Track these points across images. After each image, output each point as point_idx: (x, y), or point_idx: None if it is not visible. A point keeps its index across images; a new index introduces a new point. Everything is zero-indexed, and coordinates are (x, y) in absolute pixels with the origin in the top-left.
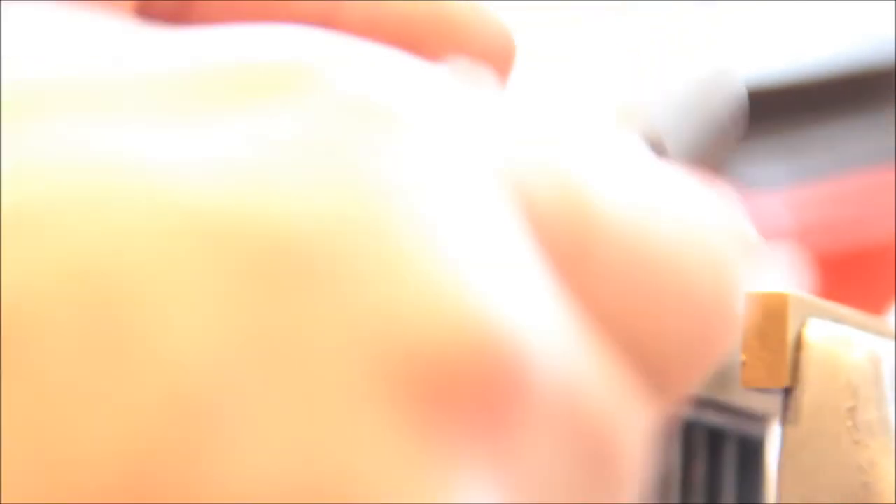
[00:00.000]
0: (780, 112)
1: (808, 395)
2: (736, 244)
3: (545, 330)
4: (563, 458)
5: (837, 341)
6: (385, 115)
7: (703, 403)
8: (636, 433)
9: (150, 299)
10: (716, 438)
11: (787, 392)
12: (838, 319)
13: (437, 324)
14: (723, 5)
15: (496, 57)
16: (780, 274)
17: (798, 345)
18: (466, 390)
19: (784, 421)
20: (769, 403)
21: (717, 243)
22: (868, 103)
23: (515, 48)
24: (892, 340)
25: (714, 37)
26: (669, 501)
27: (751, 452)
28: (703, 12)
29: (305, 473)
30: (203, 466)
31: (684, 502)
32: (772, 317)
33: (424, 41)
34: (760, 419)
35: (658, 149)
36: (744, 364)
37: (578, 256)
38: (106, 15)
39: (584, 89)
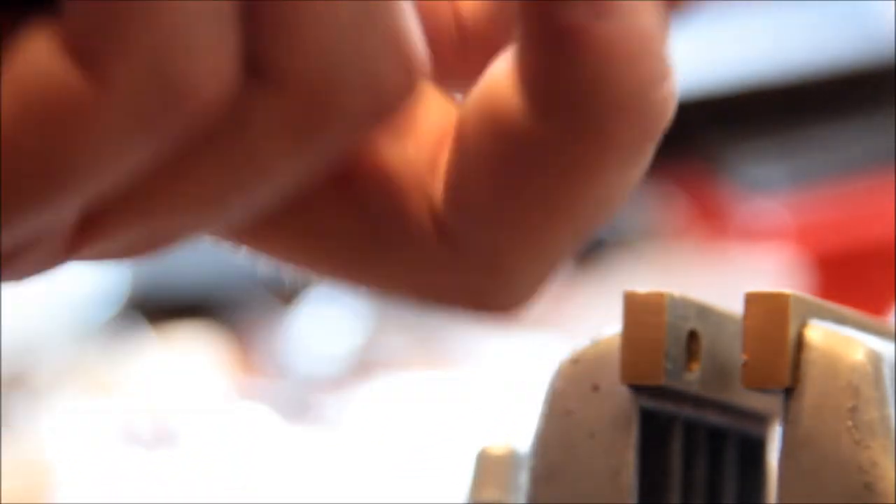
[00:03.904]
0: (780, 112)
1: (809, 395)
2: None
3: None
4: None
5: (838, 341)
6: None
7: (704, 403)
8: None
9: None
10: (717, 438)
11: (788, 392)
12: (838, 319)
13: None
14: (723, 6)
15: None
16: (781, 274)
17: (799, 345)
18: None
19: (785, 421)
20: (770, 403)
21: None
22: (868, 103)
23: None
24: (892, 340)
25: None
26: (670, 501)
27: (752, 452)
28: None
29: None
30: None
31: (685, 502)
32: (773, 317)
33: None
34: (761, 419)
35: None
36: (745, 364)
37: None
38: None
39: None
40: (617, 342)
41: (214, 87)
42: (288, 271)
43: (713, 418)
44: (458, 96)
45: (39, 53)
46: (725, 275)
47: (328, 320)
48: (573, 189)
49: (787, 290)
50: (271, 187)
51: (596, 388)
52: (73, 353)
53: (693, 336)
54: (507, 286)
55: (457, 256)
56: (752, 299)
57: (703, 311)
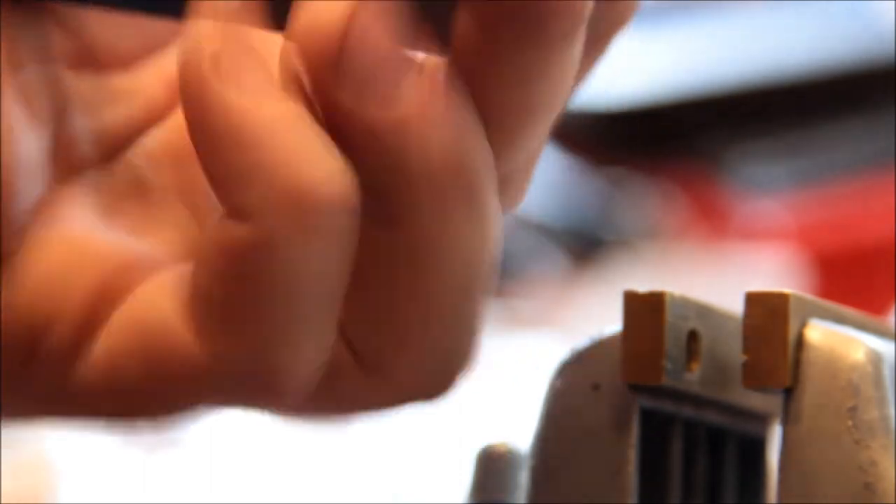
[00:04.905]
0: (780, 112)
1: (809, 394)
2: None
3: None
4: None
5: (838, 341)
6: None
7: (704, 403)
8: None
9: None
10: (717, 438)
11: (788, 392)
12: (838, 319)
13: None
14: (723, 5)
15: None
16: (781, 274)
17: (799, 345)
18: None
19: (785, 421)
20: (770, 403)
21: None
22: (868, 103)
23: None
24: (892, 340)
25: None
26: (670, 501)
27: (752, 452)
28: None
29: None
30: None
31: (685, 502)
32: (773, 317)
33: None
34: (761, 419)
35: None
36: (745, 364)
37: None
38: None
39: None
40: (617, 342)
41: (305, 375)
42: None
43: (713, 418)
44: None
45: (160, 304)
46: (725, 275)
47: None
48: (400, 275)
49: (787, 290)
50: None
51: (596, 387)
52: None
53: (693, 336)
54: (397, 385)
55: (370, 375)
56: (752, 299)
57: (703, 311)
